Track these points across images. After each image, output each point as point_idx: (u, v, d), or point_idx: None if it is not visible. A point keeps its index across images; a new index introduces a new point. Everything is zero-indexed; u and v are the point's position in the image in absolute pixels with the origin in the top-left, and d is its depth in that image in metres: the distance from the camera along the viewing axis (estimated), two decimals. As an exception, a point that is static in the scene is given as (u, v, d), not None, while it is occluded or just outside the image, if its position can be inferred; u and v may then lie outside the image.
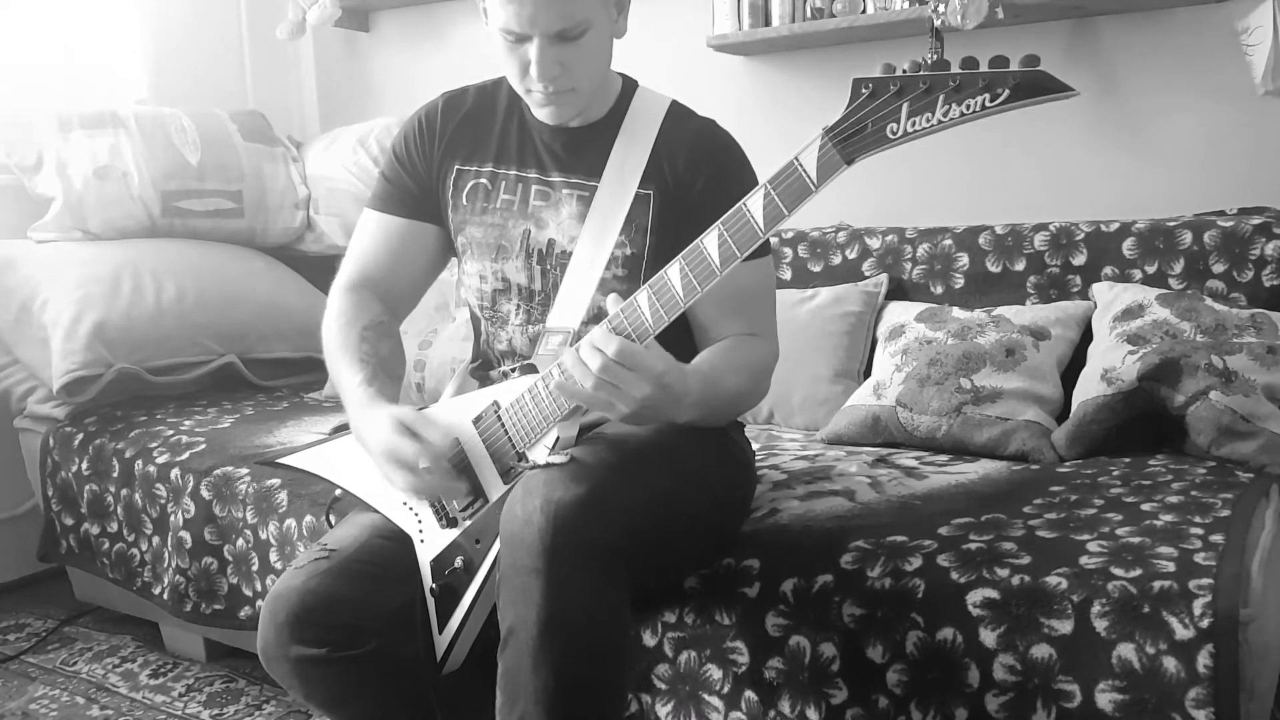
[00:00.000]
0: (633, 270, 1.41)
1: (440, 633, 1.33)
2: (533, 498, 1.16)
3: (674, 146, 1.41)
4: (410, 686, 1.32)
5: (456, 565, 1.32)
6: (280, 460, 1.57)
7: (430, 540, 1.36)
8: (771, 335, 1.46)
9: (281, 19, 2.97)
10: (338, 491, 1.50)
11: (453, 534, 1.34)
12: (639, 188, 1.40)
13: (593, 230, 1.40)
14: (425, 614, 1.34)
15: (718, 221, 1.17)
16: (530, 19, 1.28)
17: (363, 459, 1.37)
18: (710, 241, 1.18)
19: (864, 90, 1.08)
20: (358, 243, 1.55)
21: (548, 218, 1.44)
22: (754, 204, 1.15)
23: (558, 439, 1.27)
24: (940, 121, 1.05)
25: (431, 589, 1.34)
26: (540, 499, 1.15)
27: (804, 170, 1.12)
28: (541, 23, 1.28)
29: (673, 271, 1.20)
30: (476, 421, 1.35)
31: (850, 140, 1.09)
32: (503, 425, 1.32)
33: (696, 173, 1.40)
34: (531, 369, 1.33)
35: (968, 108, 1.03)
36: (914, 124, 1.06)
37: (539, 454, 1.28)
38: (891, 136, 1.07)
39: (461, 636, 1.31)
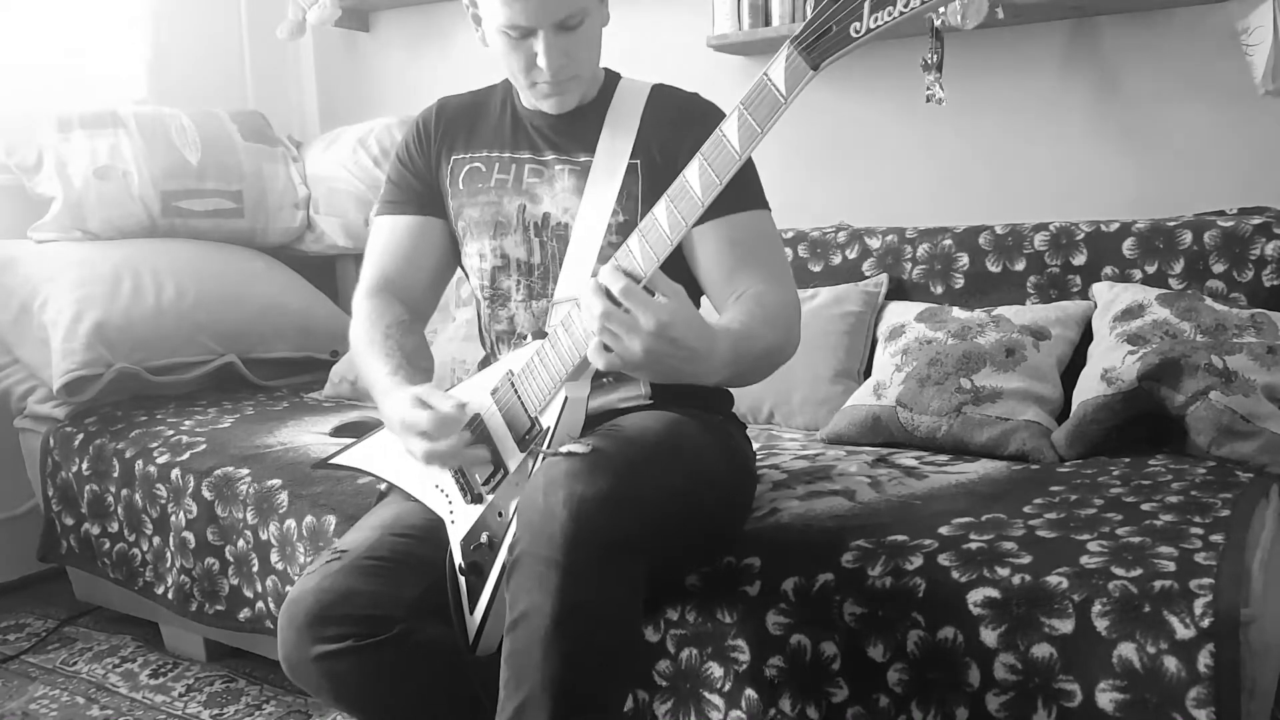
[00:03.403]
0: (627, 236, 1.41)
1: (471, 614, 1.32)
2: (555, 490, 1.16)
3: (659, 116, 1.46)
4: (443, 669, 1.31)
5: (482, 540, 1.32)
6: (333, 460, 1.62)
7: (460, 520, 1.37)
8: (788, 281, 1.46)
9: (281, 19, 2.97)
10: (382, 485, 1.54)
11: (478, 509, 1.35)
12: (629, 158, 1.44)
13: (591, 202, 1.43)
14: (458, 597, 1.34)
15: (698, 153, 1.17)
16: (535, 12, 1.33)
17: (398, 449, 1.39)
18: (692, 173, 1.17)
19: None
20: (372, 249, 1.59)
21: (542, 192, 1.48)
22: (729, 127, 1.15)
23: (566, 399, 1.27)
24: (902, 12, 1.02)
25: (461, 568, 1.34)
26: (564, 492, 1.15)
27: (773, 84, 1.11)
28: (547, 14, 1.33)
29: (660, 209, 1.19)
30: (494, 393, 1.37)
31: (815, 45, 1.07)
32: (515, 391, 1.34)
33: (682, 137, 1.41)
34: (543, 335, 1.33)
35: None
36: (877, 19, 1.03)
37: (549, 417, 1.28)
38: (855, 35, 1.05)
39: (492, 615, 1.30)
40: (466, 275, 1.59)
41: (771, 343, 1.35)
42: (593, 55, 1.43)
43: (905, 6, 1.02)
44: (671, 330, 1.16)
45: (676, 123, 1.44)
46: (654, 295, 1.17)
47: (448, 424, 1.28)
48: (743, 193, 1.41)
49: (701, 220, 1.36)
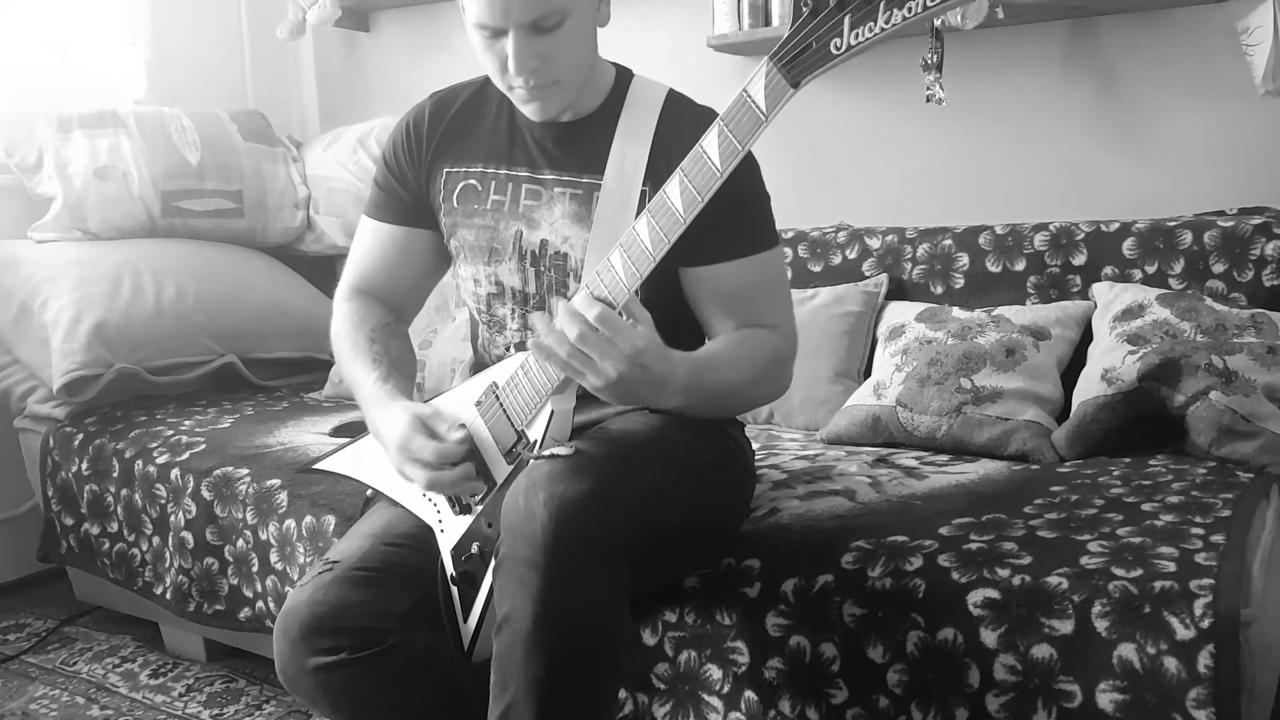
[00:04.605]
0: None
1: (465, 622, 1.32)
2: (536, 491, 1.15)
3: (671, 139, 1.35)
4: (438, 678, 1.31)
5: (473, 551, 1.32)
6: (316, 466, 1.61)
7: (449, 529, 1.37)
8: (787, 328, 1.43)
9: (281, 19, 2.96)
10: (369, 492, 1.52)
11: (467, 520, 1.35)
12: (641, 183, 1.36)
13: (603, 231, 1.35)
14: (450, 606, 1.34)
15: (679, 167, 1.15)
16: (503, 11, 1.24)
17: (384, 455, 1.38)
18: (673, 189, 1.16)
19: (804, 8, 1.04)
20: (356, 250, 1.56)
21: (540, 218, 1.42)
22: (710, 144, 1.13)
23: (553, 412, 1.27)
24: (883, 29, 1.01)
25: (452, 577, 1.34)
26: (544, 494, 1.15)
27: (753, 101, 1.09)
28: (515, 14, 1.24)
29: (641, 225, 1.18)
30: (478, 405, 1.35)
31: (795, 63, 1.06)
32: (500, 404, 1.32)
33: None
34: (525, 347, 1.33)
35: (909, 10, 0.99)
36: (857, 35, 1.02)
37: (536, 430, 1.28)
38: (836, 52, 1.04)
39: (485, 623, 1.30)
40: (458, 286, 1.55)
41: (737, 381, 1.34)
42: (577, 60, 1.32)
43: (887, 23, 1.00)
44: (644, 356, 1.17)
45: (688, 146, 1.30)
46: (627, 320, 1.18)
47: (452, 456, 1.28)
48: (752, 235, 1.38)
49: (710, 260, 1.36)
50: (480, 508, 1.34)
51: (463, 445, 1.29)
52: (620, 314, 1.19)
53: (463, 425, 1.32)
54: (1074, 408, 1.79)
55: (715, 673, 1.40)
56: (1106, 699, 1.18)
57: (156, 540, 2.10)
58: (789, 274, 2.28)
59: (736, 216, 1.34)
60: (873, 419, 1.89)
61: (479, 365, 1.55)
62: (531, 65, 1.28)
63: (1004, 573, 1.28)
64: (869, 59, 2.36)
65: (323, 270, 2.87)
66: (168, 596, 2.07)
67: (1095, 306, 1.94)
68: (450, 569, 1.35)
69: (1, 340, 2.43)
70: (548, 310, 1.21)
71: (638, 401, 1.27)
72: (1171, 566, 1.23)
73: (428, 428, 1.30)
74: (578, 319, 1.16)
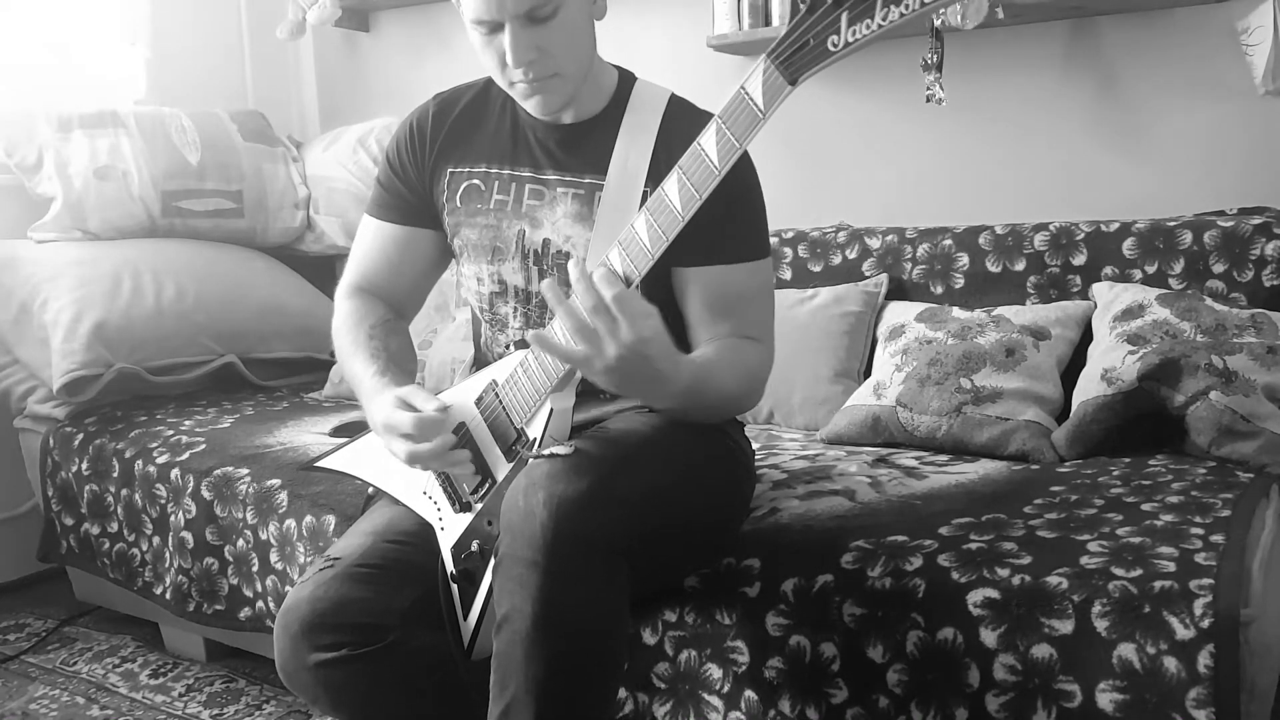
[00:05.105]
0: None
1: (465, 620, 1.32)
2: (536, 490, 1.16)
3: (673, 142, 1.35)
4: (438, 675, 1.31)
5: (473, 549, 1.32)
6: (319, 464, 1.61)
7: (450, 527, 1.37)
8: (768, 341, 1.43)
9: (281, 19, 2.97)
10: (370, 490, 1.53)
11: (467, 518, 1.35)
12: (644, 185, 1.37)
13: (604, 231, 1.35)
14: (450, 604, 1.34)
15: (677, 165, 1.16)
16: (498, 3, 1.25)
17: (385, 452, 1.38)
18: (671, 187, 1.16)
19: (802, 5, 1.05)
20: (358, 248, 1.56)
21: (542, 217, 1.42)
22: (707, 141, 1.13)
23: (552, 410, 1.27)
24: (881, 26, 1.01)
25: (452, 575, 1.34)
26: (544, 493, 1.15)
27: (751, 99, 1.09)
28: (510, 5, 1.25)
29: (640, 224, 1.19)
30: (478, 402, 1.36)
31: (792, 60, 1.06)
32: (500, 402, 1.33)
33: None
34: (525, 346, 1.33)
35: (906, 7, 0.99)
36: (854, 33, 1.02)
37: (536, 428, 1.28)
38: (833, 49, 1.04)
39: (485, 622, 1.30)
40: (460, 284, 1.56)
41: (730, 391, 1.35)
42: (576, 51, 1.32)
43: (884, 20, 1.00)
44: (648, 347, 1.17)
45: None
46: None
47: (431, 426, 1.28)
48: (746, 242, 1.39)
49: (703, 261, 1.36)
50: (480, 505, 1.34)
51: (442, 414, 1.29)
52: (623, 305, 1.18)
53: (441, 398, 1.31)
54: (1074, 408, 1.79)
55: (715, 672, 1.40)
56: (1106, 699, 1.18)
57: (156, 540, 2.10)
58: (789, 275, 2.28)
59: (734, 220, 1.34)
60: (873, 419, 1.89)
61: (481, 363, 1.55)
62: (529, 57, 1.28)
63: (1004, 573, 1.28)
64: (869, 59, 2.38)
65: (323, 270, 2.87)
66: (168, 596, 2.07)
67: (1095, 306, 1.94)
68: (450, 567, 1.35)
69: (1, 340, 2.43)
70: (558, 281, 1.21)
71: (634, 393, 1.27)
72: (1171, 566, 1.23)
73: (407, 404, 1.31)
74: (593, 293, 1.15)
